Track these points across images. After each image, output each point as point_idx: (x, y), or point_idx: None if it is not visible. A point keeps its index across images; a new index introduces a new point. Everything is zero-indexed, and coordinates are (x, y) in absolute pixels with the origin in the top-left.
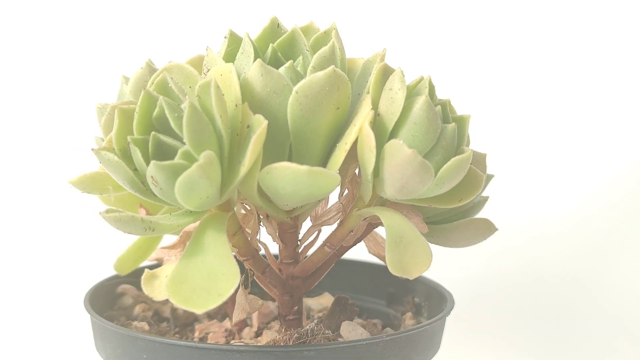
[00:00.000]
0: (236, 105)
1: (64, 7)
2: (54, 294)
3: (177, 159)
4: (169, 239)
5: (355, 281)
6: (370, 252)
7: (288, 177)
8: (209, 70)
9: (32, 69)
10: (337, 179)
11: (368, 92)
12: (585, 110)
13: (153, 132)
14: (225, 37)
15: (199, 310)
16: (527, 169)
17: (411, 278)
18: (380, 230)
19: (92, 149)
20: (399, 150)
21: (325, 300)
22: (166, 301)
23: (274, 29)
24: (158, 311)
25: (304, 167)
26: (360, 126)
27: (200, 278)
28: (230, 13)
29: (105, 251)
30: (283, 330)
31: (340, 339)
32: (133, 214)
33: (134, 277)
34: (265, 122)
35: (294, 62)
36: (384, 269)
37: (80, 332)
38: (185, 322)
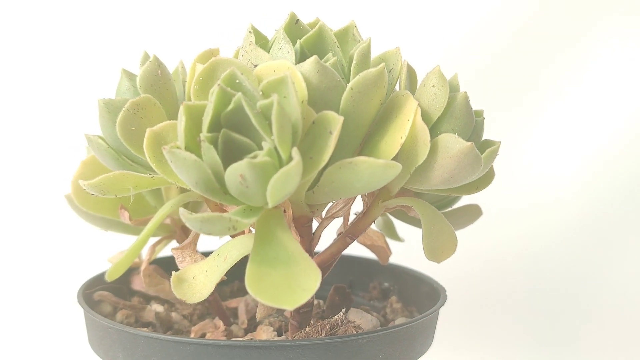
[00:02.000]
0: (302, 102)
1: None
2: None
3: (264, 157)
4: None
5: None
6: (358, 242)
7: (365, 170)
8: (255, 66)
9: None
10: (400, 169)
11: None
12: (583, 106)
13: (224, 130)
14: (249, 32)
15: (290, 307)
16: (523, 164)
17: (439, 262)
18: None
19: (163, 149)
20: (455, 143)
21: None
22: (145, 306)
23: (293, 25)
24: (137, 317)
25: (381, 161)
26: (414, 120)
27: (278, 275)
28: (220, 11)
29: (86, 256)
30: (311, 322)
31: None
32: (221, 214)
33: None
34: (341, 119)
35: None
36: (342, 258)
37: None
38: (167, 326)
